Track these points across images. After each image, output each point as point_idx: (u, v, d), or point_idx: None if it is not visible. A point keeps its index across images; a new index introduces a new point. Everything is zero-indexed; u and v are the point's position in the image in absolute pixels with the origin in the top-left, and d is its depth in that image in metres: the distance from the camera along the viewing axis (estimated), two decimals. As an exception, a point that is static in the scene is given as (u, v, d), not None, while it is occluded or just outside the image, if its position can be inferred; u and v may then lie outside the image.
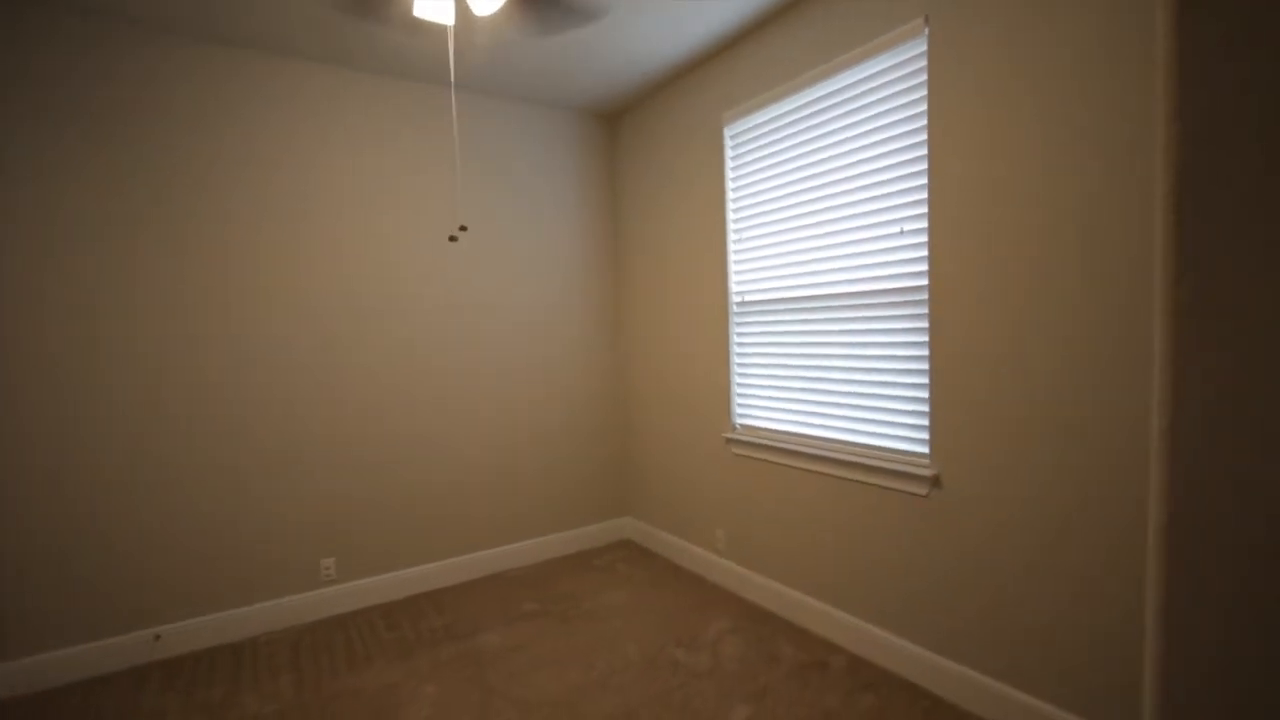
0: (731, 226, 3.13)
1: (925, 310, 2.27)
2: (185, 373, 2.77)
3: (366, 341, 3.18)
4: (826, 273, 2.63)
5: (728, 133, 3.09)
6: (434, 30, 2.74)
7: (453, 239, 2.36)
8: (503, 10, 2.53)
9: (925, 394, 2.29)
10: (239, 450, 2.88)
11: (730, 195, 3.12)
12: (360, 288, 3.16)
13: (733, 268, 3.14)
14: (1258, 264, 0.54)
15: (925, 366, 2.28)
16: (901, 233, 2.34)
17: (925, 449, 2.30)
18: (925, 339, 2.27)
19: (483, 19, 2.65)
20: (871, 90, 2.39)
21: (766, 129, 2.87)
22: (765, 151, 2.89)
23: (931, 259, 2.22)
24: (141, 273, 2.67)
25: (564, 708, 2.29)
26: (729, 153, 3.10)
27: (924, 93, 2.21)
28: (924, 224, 2.25)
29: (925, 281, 2.26)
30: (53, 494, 2.53)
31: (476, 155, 3.46)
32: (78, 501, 2.57)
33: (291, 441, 3.00)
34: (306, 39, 2.79)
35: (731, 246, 3.13)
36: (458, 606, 3.17)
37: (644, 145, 3.70)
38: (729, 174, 3.11)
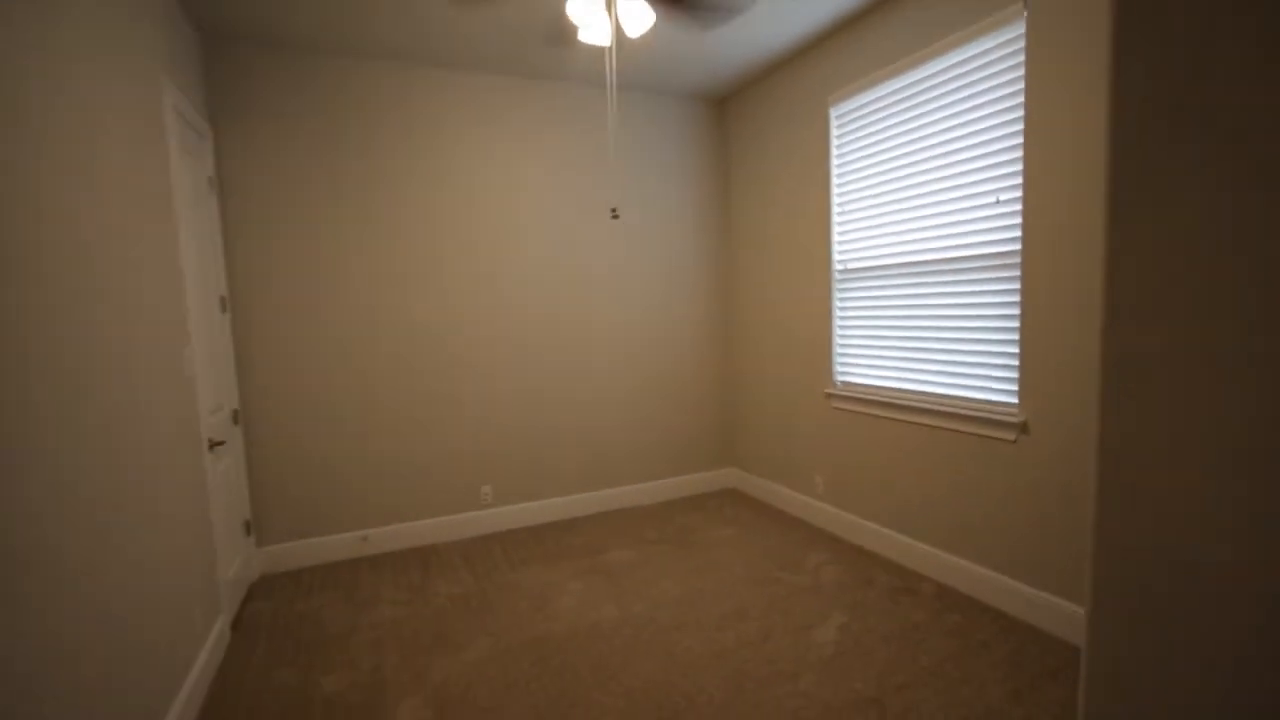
0: (835, 199, 3.40)
1: (1017, 273, 2.49)
2: (384, 334, 3.47)
3: (523, 309, 3.77)
4: (924, 240, 2.88)
5: (833, 113, 3.35)
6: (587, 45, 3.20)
7: (615, 216, 2.87)
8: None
9: (1015, 349, 2.52)
10: (422, 397, 3.57)
11: (834, 170, 3.39)
12: (516, 262, 3.74)
13: (835, 237, 3.43)
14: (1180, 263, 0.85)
15: (1016, 325, 2.51)
16: (998, 202, 2.55)
17: (1014, 399, 2.54)
18: (1017, 299, 2.50)
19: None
20: (971, 71, 2.59)
21: (870, 109, 3.12)
22: (868, 129, 3.14)
23: (1025, 227, 2.43)
24: (353, 253, 3.38)
25: (686, 605, 2.78)
26: (834, 131, 3.37)
27: (1021, 73, 2.40)
28: (1018, 194, 2.46)
29: (1018, 247, 2.48)
30: (302, 424, 3.31)
31: (607, 142, 3.93)
32: (318, 432, 3.35)
33: (459, 390, 3.66)
34: (477, 56, 3.34)
35: (835, 218, 3.42)
36: (590, 531, 3.75)
37: (751, 126, 4.01)
38: (833, 151, 3.38)
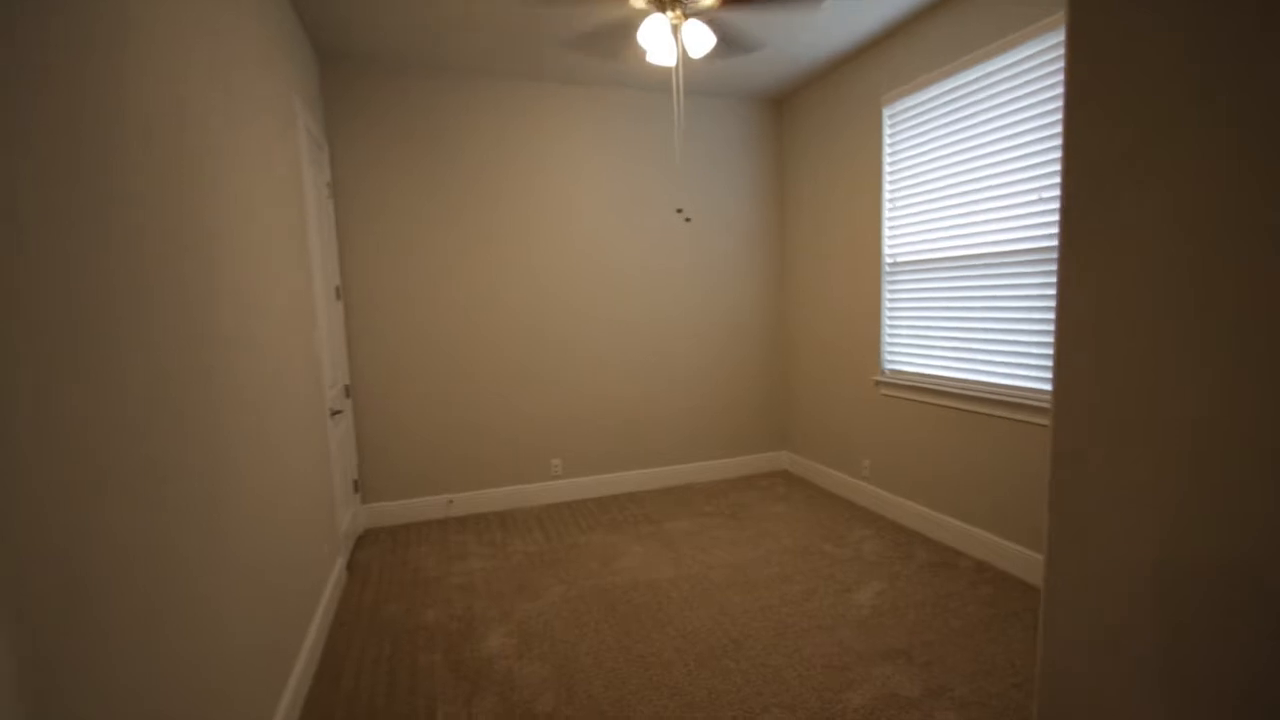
0: (886, 195, 3.58)
1: (1054, 268, 2.63)
2: (471, 320, 3.89)
3: (594, 298, 4.13)
4: (970, 235, 3.04)
5: (886, 112, 3.52)
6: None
7: (687, 219, 3.15)
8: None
9: (1051, 339, 2.66)
10: (503, 377, 3.99)
11: (886, 168, 3.56)
12: (588, 253, 4.09)
13: (886, 231, 3.60)
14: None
15: (1053, 315, 2.65)
16: (1039, 199, 2.70)
17: (1049, 385, 2.69)
18: (1054, 292, 2.64)
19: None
20: (1017, 74, 2.74)
21: (921, 109, 3.28)
22: (918, 129, 3.30)
23: (1064, 223, 2.57)
24: (446, 247, 3.81)
25: (737, 569, 3.07)
26: (886, 130, 3.54)
27: (1061, 76, 2.54)
28: (1058, 191, 2.60)
29: (1056, 243, 2.62)
30: (400, 398, 3.78)
31: (672, 143, 4.22)
32: (413, 405, 3.81)
33: (536, 371, 4.06)
34: (557, 69, 3.69)
35: (886, 213, 3.59)
36: (650, 504, 4.09)
37: (808, 125, 4.20)
38: (886, 149, 3.55)
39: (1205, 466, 0.95)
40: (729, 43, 3.38)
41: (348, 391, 3.58)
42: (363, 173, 3.62)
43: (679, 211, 3.07)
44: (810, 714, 2.01)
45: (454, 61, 3.57)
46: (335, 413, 3.09)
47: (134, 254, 1.21)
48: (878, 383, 3.71)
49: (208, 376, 1.55)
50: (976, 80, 2.94)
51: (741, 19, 3.08)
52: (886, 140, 3.55)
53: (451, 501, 3.95)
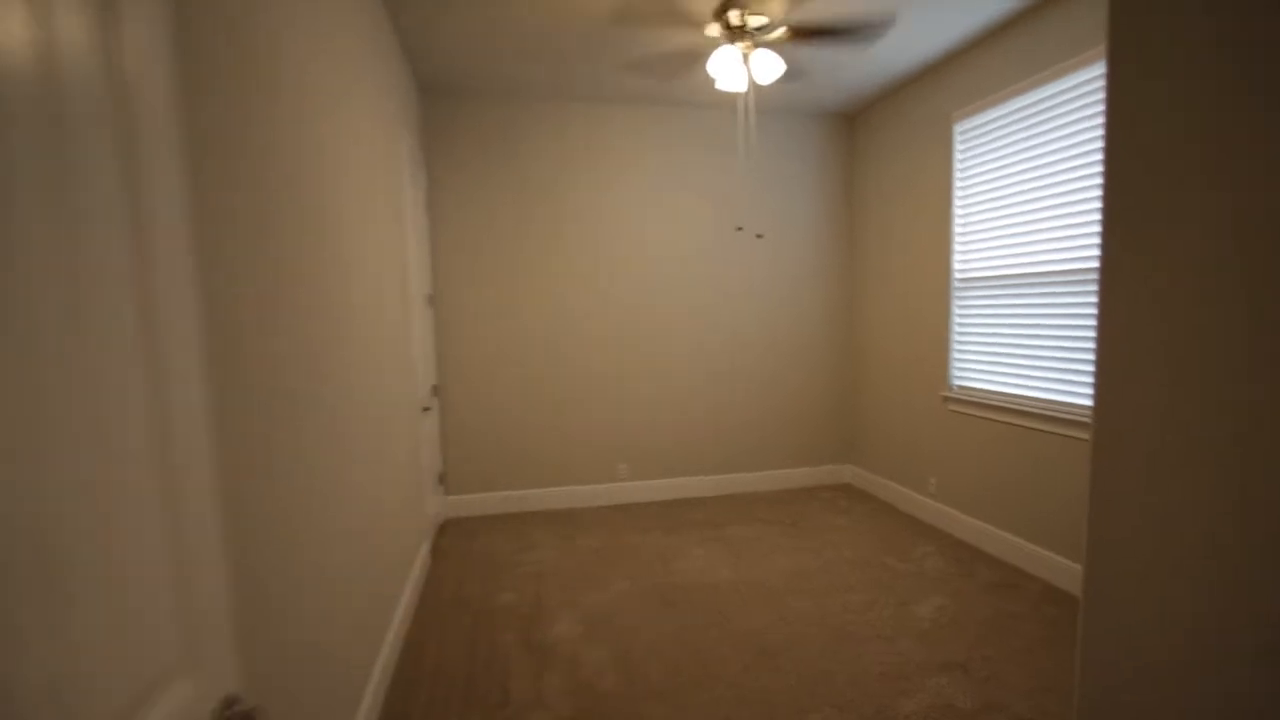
0: (956, 211, 3.57)
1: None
2: (547, 329, 4.15)
3: (664, 309, 4.31)
4: (1044, 252, 3.01)
5: (957, 129, 3.53)
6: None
7: (758, 235, 3.27)
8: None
9: (1129, 359, 2.61)
10: (574, 383, 4.22)
11: (956, 184, 3.56)
12: (658, 266, 4.28)
13: (956, 247, 3.59)
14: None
15: (1130, 335, 2.60)
16: (1116, 217, 2.66)
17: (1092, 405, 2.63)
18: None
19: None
20: (1093, 91, 2.72)
21: (993, 125, 3.28)
22: (991, 145, 3.30)
23: (1142, 241, 2.53)
24: (525, 261, 4.09)
25: (796, 575, 3.14)
26: (957, 146, 3.54)
27: (1142, 94, 2.51)
28: (1136, 210, 2.56)
29: (1099, 260, 2.57)
30: (480, 399, 4.08)
31: (742, 162, 4.36)
32: (492, 406, 4.10)
33: (605, 379, 4.27)
34: (625, 92, 3.91)
35: (956, 229, 3.59)
36: (711, 509, 4.20)
37: (878, 140, 4.24)
38: (956, 165, 3.55)
39: (1249, 488, 1.00)
40: (797, 70, 3.49)
41: (435, 391, 3.89)
42: (450, 190, 3.95)
43: (740, 229, 3.18)
44: (862, 718, 2.08)
45: (529, 87, 3.85)
46: (425, 409, 3.39)
47: (292, 269, 1.47)
48: (945, 399, 3.69)
49: (344, 366, 1.81)
50: (1051, 96, 2.92)
51: (809, 51, 3.19)
52: (957, 156, 3.55)
53: (524, 498, 4.20)
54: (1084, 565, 1.29)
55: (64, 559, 0.55)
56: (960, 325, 3.61)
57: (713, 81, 3.76)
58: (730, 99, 4.09)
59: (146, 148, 0.69)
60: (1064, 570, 2.93)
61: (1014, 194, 3.16)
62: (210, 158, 1.11)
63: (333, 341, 1.82)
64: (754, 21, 2.61)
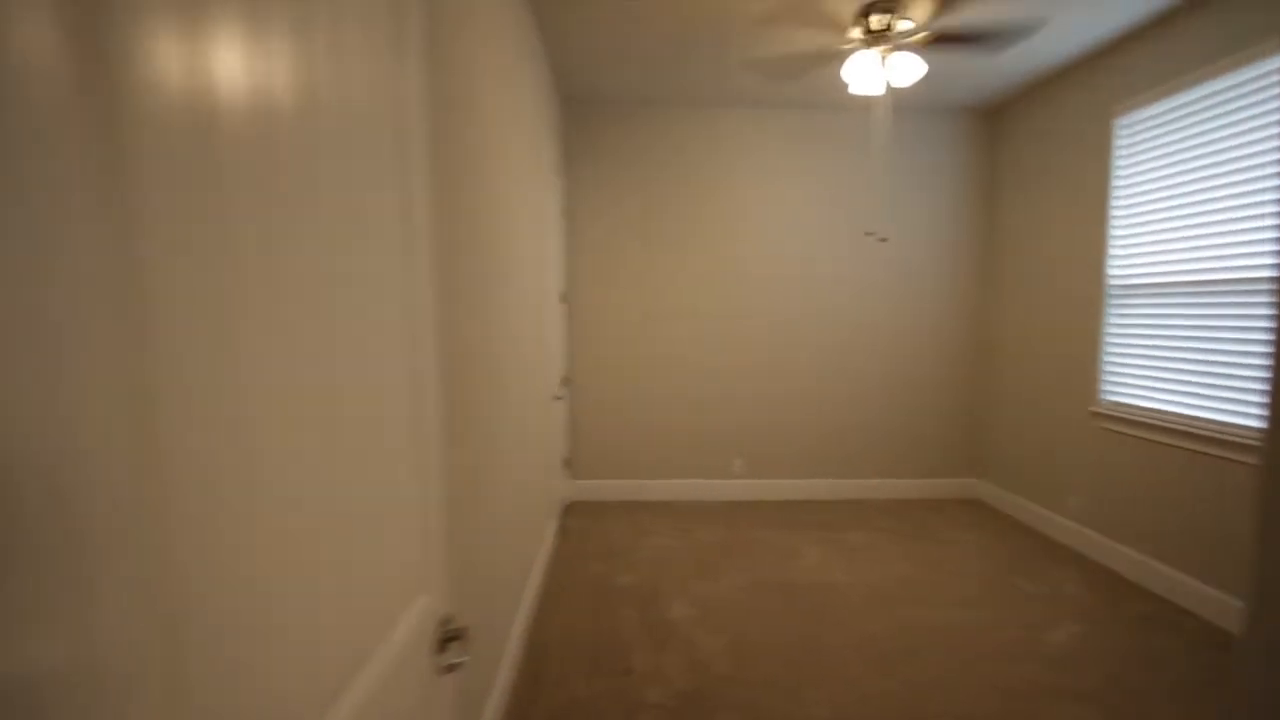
0: (1114, 213, 3.31)
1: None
2: (670, 324, 4.32)
3: (785, 308, 4.34)
4: (1212, 259, 2.74)
5: (1116, 124, 3.26)
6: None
7: (882, 239, 3.25)
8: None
9: (1323, 380, 2.33)
10: (695, 379, 4.36)
11: (1115, 183, 3.30)
12: (782, 267, 4.32)
13: (1112, 252, 3.33)
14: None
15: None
16: (1313, 221, 2.38)
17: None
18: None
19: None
20: (1272, 85, 2.44)
21: (1158, 121, 3.01)
22: (1157, 142, 3.03)
23: (1345, 248, 2.25)
24: (651, 261, 4.28)
25: (917, 585, 3.08)
26: (1116, 143, 3.28)
27: (1353, 82, 2.23)
28: (1340, 213, 2.28)
29: (1335, 270, 2.29)
30: (606, 390, 4.33)
31: (866, 158, 4.28)
32: (616, 397, 4.34)
33: (725, 376, 4.37)
34: (751, 95, 3.98)
35: (1112, 231, 3.32)
36: (828, 512, 4.18)
37: (1020, 137, 3.99)
38: (1115, 163, 3.29)
39: None
40: (936, 70, 3.39)
41: (564, 382, 4.18)
42: (583, 194, 4.21)
43: (870, 235, 3.14)
44: (984, 729, 2.05)
45: (658, 94, 4.01)
46: (556, 398, 3.66)
47: (483, 270, 1.72)
48: (1094, 414, 3.44)
49: (500, 355, 2.07)
50: (1226, 89, 2.65)
51: (947, 56, 3.10)
52: (1118, 153, 3.29)
53: (642, 486, 4.40)
54: (1247, 603, 1.23)
55: (382, 506, 0.74)
56: (1115, 336, 3.34)
57: (841, 82, 3.74)
58: (858, 100, 4.03)
59: (414, 164, 0.89)
60: (1227, 609, 2.66)
61: (1181, 194, 2.90)
62: (438, 172, 1.35)
63: (498, 332, 2.07)
64: (899, 26, 2.59)
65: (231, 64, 0.47)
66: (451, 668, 0.94)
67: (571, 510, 4.20)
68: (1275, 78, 2.46)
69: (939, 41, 2.67)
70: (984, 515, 4.15)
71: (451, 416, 1.40)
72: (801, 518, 4.08)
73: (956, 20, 2.72)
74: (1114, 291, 3.34)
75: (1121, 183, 3.28)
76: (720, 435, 4.42)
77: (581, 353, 4.31)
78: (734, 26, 3.06)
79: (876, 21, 2.59)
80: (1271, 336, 2.45)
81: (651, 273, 4.30)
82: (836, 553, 3.49)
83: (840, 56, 3.17)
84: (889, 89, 3.60)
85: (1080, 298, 3.54)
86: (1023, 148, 4.03)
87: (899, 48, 2.65)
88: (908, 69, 2.59)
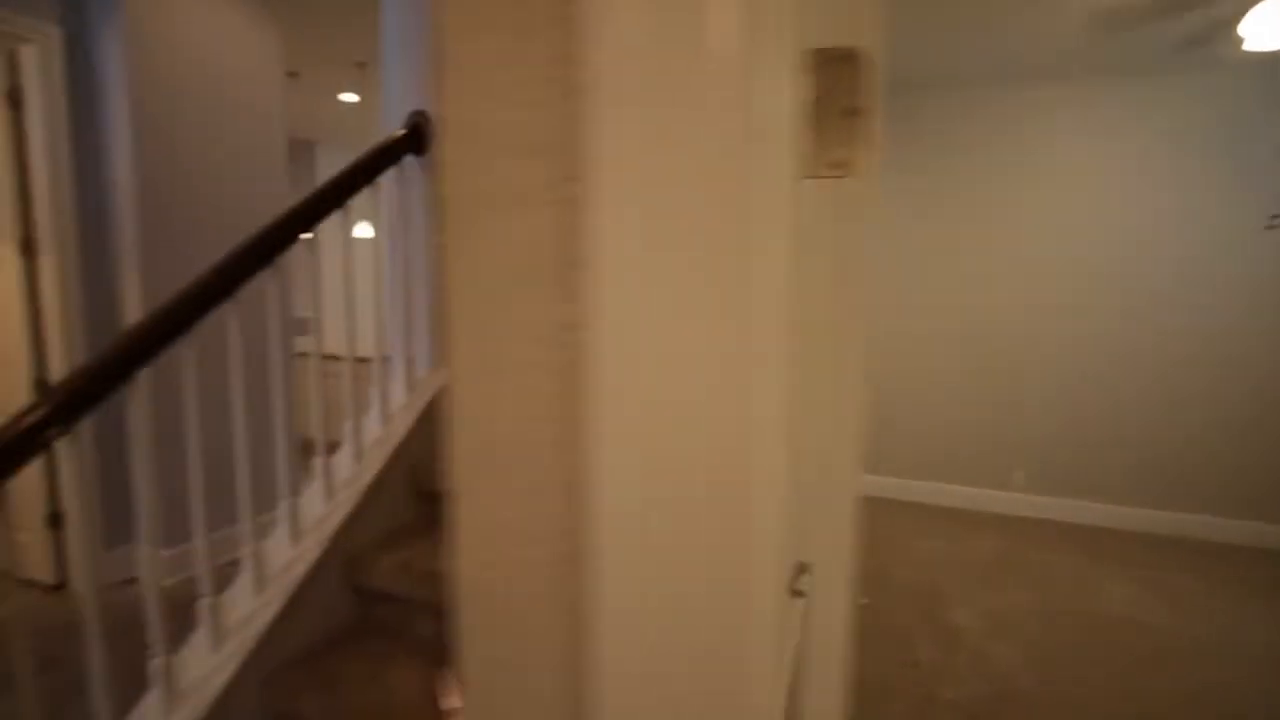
0: None
1: None
2: (953, 325, 4.13)
3: (1091, 303, 3.88)
4: None
5: None
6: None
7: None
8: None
9: None
10: (974, 379, 4.13)
11: None
12: (1085, 265, 3.86)
13: None
14: None
15: None
16: None
17: None
18: None
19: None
20: None
21: None
22: None
23: None
24: (937, 252, 4.12)
25: (1267, 646, 2.61)
26: None
27: None
28: None
29: None
30: (880, 381, 4.31)
31: (1231, 130, 3.57)
32: (891, 389, 4.30)
33: (1009, 378, 4.05)
34: (1085, 64, 3.55)
35: None
36: (1131, 545, 3.65)
37: None
38: None
39: None
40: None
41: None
42: (884, 184, 4.17)
43: (1273, 222, 2.59)
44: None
45: (969, 73, 3.77)
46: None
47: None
48: None
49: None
50: None
51: None
52: None
53: (907, 488, 4.31)
54: None
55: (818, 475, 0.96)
56: None
57: (1227, 36, 3.14)
58: (1250, 58, 3.34)
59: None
60: None
61: None
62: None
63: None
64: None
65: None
66: (798, 593, 1.15)
67: (831, 498, 4.28)
68: None
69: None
70: (1373, 584, 3.28)
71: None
72: (1097, 546, 3.64)
73: None
74: None
75: None
76: (1001, 442, 4.11)
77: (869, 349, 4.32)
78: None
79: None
80: None
81: (944, 268, 4.13)
82: (1151, 594, 3.08)
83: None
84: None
85: None
86: None
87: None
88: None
